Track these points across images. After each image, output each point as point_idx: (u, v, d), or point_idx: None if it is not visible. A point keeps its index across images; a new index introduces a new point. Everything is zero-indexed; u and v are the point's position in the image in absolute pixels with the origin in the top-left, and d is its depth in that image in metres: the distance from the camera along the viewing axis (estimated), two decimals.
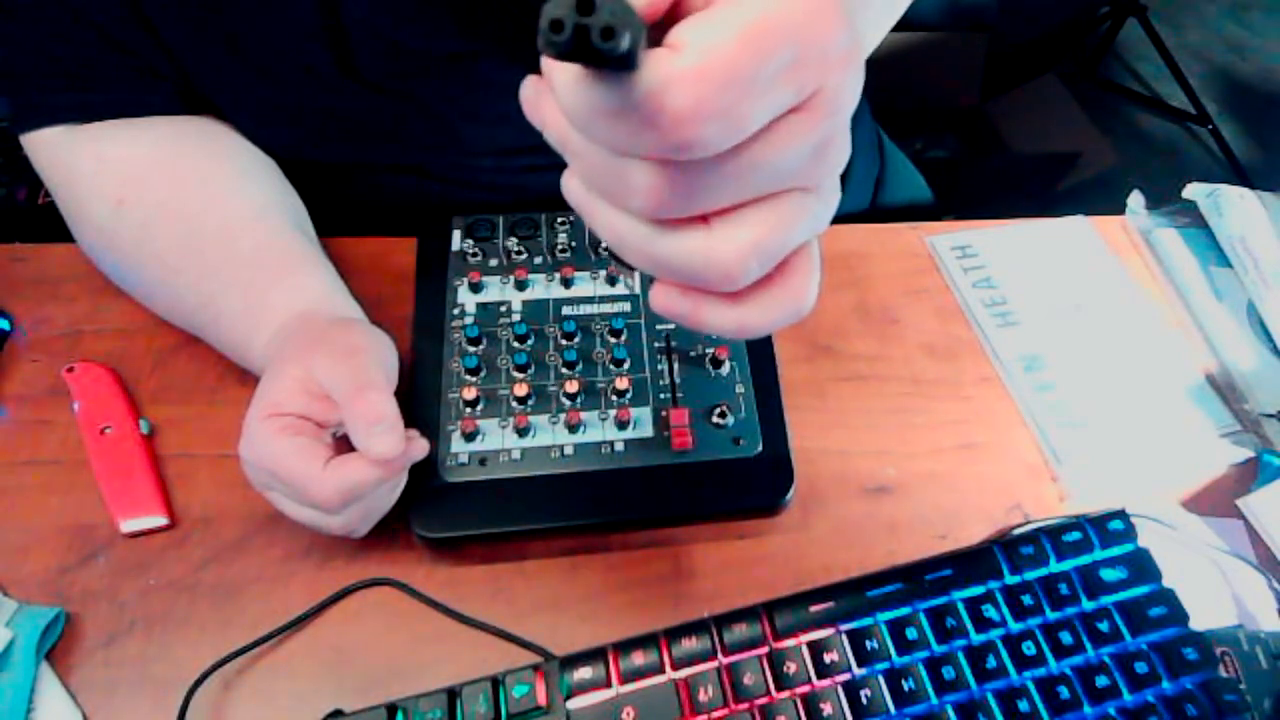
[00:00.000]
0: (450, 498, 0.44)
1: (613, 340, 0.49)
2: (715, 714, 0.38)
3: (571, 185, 0.25)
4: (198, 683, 0.39)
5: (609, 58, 0.17)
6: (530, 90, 0.24)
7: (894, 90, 1.53)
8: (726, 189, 0.23)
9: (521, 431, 0.46)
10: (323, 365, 0.40)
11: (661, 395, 0.48)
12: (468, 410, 0.46)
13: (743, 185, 0.23)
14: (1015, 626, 0.41)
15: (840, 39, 0.21)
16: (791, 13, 0.20)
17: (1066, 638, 0.41)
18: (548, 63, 0.21)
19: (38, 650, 0.40)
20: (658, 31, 0.21)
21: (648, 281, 0.51)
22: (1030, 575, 0.43)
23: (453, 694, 0.38)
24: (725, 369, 0.49)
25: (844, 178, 0.75)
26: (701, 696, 0.38)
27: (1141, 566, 0.43)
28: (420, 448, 0.42)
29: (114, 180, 0.48)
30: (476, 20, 0.47)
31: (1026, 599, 0.42)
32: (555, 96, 0.21)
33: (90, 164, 0.48)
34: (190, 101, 0.50)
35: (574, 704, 0.38)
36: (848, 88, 0.23)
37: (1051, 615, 0.42)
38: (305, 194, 0.54)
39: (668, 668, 0.39)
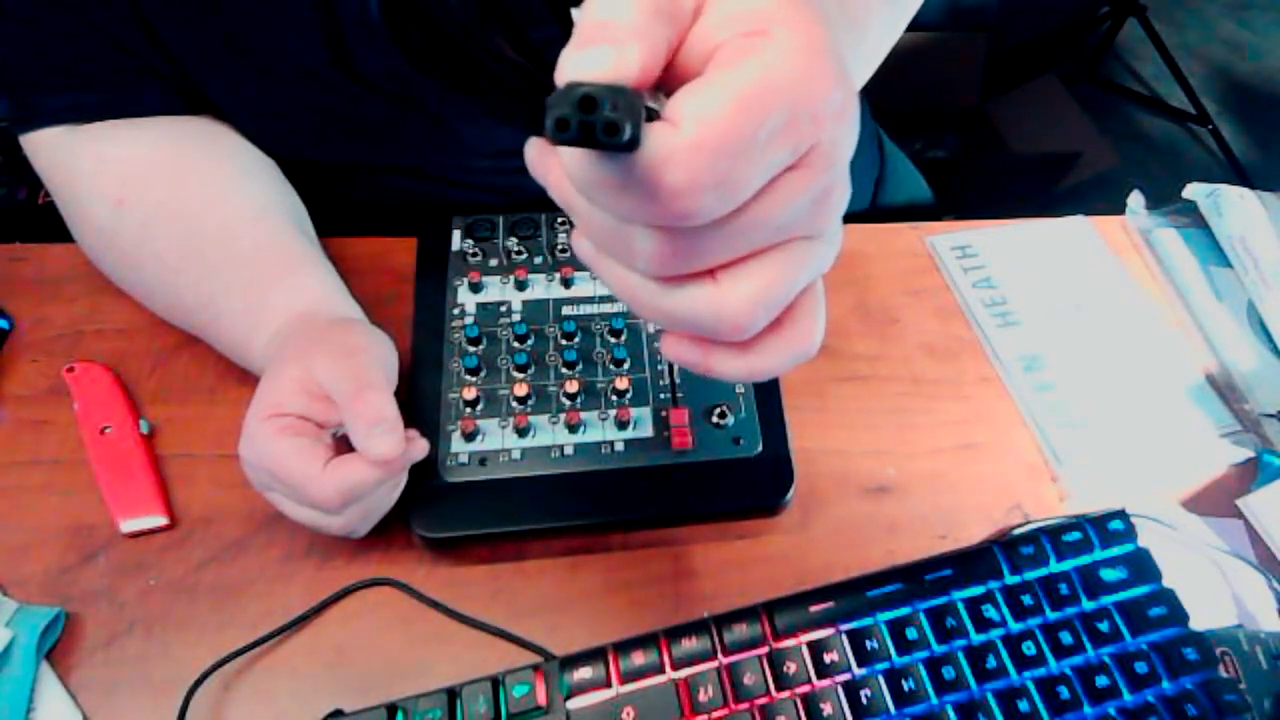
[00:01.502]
0: (450, 498, 0.44)
1: (613, 340, 0.49)
2: (715, 714, 0.38)
3: (581, 245, 0.26)
4: (198, 683, 0.39)
5: (613, 147, 0.18)
6: (534, 152, 0.25)
7: (894, 90, 1.52)
8: (730, 247, 0.23)
9: (521, 431, 0.46)
10: (322, 365, 0.40)
11: (661, 395, 0.48)
12: (468, 410, 0.46)
13: (745, 242, 0.23)
14: (1015, 626, 0.41)
15: (834, 95, 0.22)
16: (784, 76, 0.21)
17: (1066, 638, 0.41)
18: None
19: (38, 650, 0.40)
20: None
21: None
22: (1030, 575, 0.43)
23: (453, 694, 0.38)
24: None
25: None
26: (701, 696, 0.38)
27: (1141, 566, 0.43)
28: (420, 448, 0.42)
29: (114, 180, 0.48)
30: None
31: (1026, 599, 0.42)
32: (561, 164, 0.22)
33: (90, 164, 0.48)
34: (190, 101, 0.50)
35: (574, 704, 0.38)
36: (844, 140, 0.23)
37: (1051, 615, 0.42)
38: (305, 194, 0.54)
39: (668, 668, 0.39)
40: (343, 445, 0.41)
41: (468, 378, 0.47)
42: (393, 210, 0.56)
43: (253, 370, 0.46)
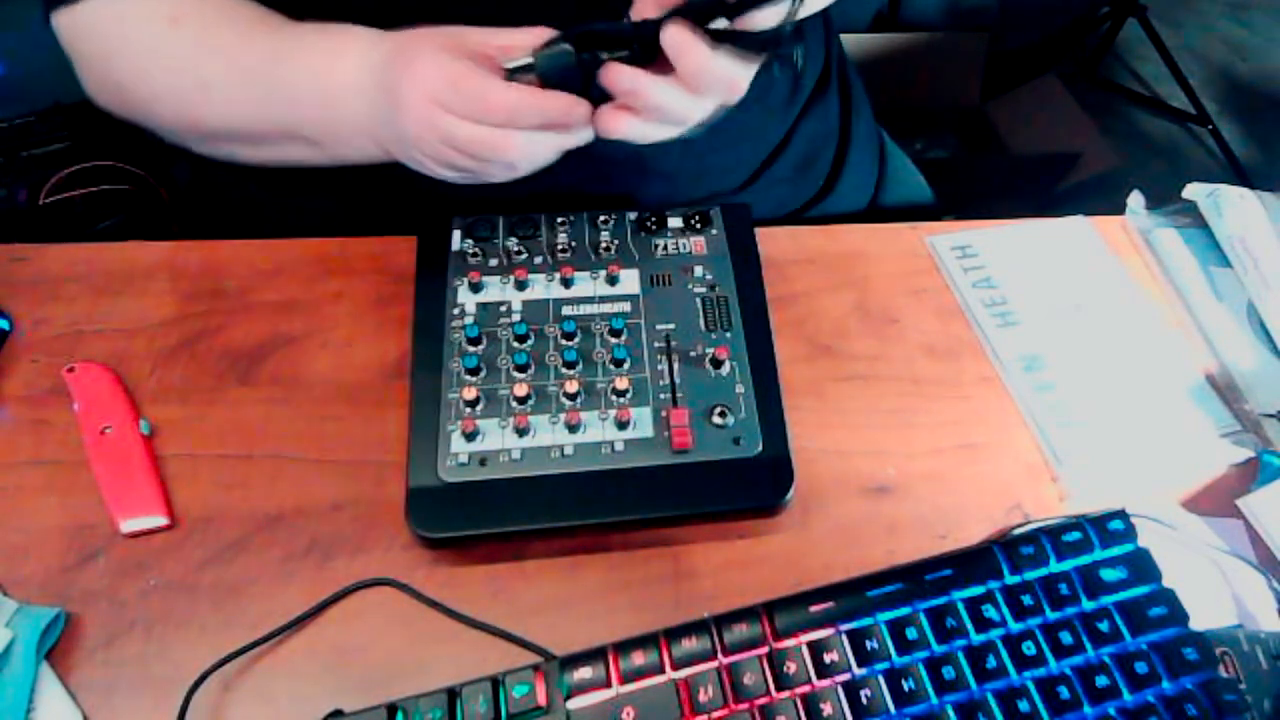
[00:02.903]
0: (450, 498, 0.44)
1: (613, 340, 0.49)
2: (715, 714, 0.38)
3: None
4: (198, 683, 0.39)
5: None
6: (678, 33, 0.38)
7: (894, 90, 1.53)
8: None
9: (521, 431, 0.46)
10: (472, 32, 0.41)
11: (661, 395, 0.48)
12: (468, 410, 0.46)
13: None
14: (1015, 626, 0.41)
15: None
16: None
17: (1066, 638, 0.41)
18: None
19: (38, 650, 0.40)
20: None
21: (646, 282, 0.51)
22: (1030, 575, 0.43)
23: (453, 694, 0.38)
24: (725, 369, 0.49)
25: (842, 177, 0.74)
26: (701, 696, 0.38)
27: (1141, 566, 0.43)
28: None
29: (167, 5, 0.46)
30: None
31: (1026, 599, 0.42)
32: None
33: None
34: None
35: (574, 704, 0.38)
36: None
37: (1051, 615, 0.42)
38: (310, 184, 0.53)
39: (668, 668, 0.39)
40: None
41: (468, 378, 0.47)
42: (393, 209, 0.56)
43: (339, 111, 0.44)
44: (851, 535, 0.47)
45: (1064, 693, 0.39)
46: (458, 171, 0.43)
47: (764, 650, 0.40)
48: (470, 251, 0.52)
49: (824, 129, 0.69)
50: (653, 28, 0.39)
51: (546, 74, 0.40)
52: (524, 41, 0.41)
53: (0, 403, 0.49)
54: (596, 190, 0.57)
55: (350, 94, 0.43)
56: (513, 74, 0.40)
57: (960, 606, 0.42)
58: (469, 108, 0.40)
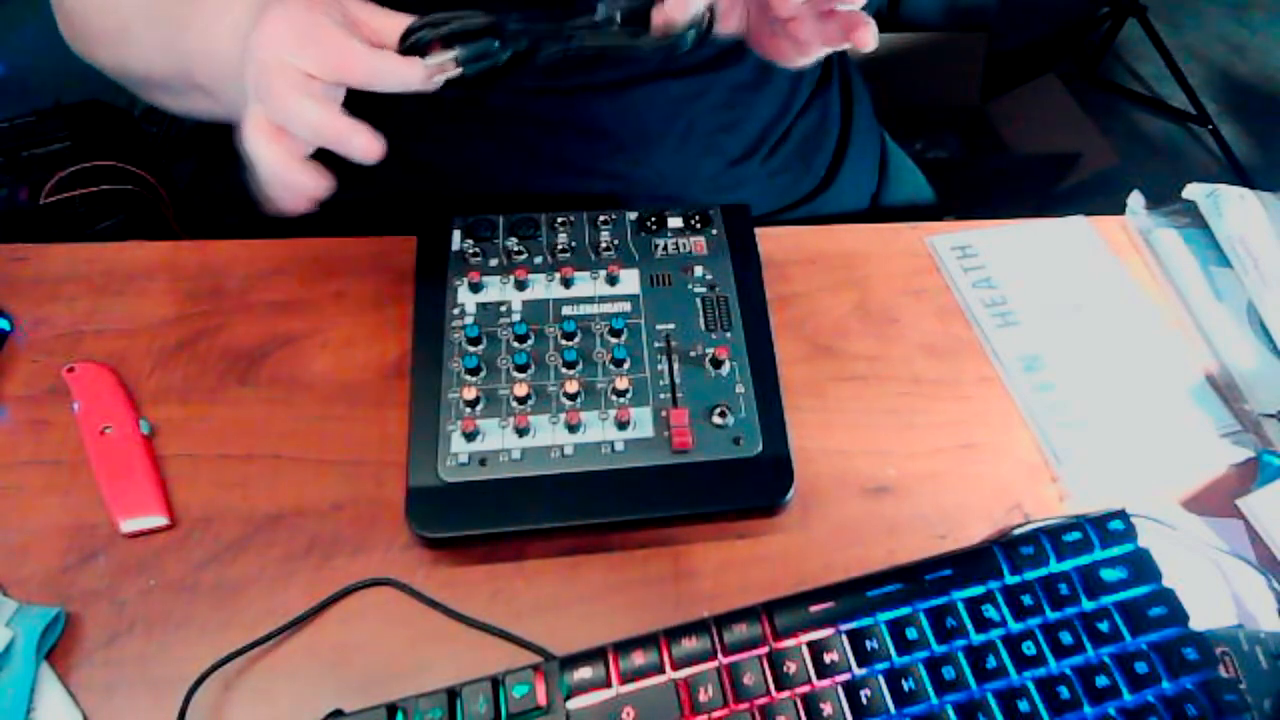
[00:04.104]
0: (450, 498, 0.44)
1: (613, 340, 0.49)
2: (715, 714, 0.38)
3: None
4: (198, 683, 0.39)
5: None
6: None
7: (894, 90, 1.53)
8: None
9: (521, 431, 0.46)
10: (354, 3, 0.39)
11: (661, 395, 0.48)
12: (468, 410, 0.46)
13: None
14: (1015, 626, 0.41)
15: None
16: None
17: (1066, 638, 0.41)
18: None
19: (38, 650, 0.40)
20: None
21: (646, 282, 0.51)
22: (1030, 575, 0.43)
23: (453, 694, 0.38)
24: (725, 369, 0.48)
25: (842, 170, 0.74)
26: (701, 696, 0.38)
27: (1141, 566, 0.43)
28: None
29: None
30: None
31: (1026, 599, 0.42)
32: None
33: None
34: None
35: (574, 704, 0.38)
36: None
37: (1051, 615, 0.42)
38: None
39: (668, 668, 0.39)
40: None
41: (468, 378, 0.47)
42: (393, 209, 0.56)
43: (229, 59, 0.41)
44: (851, 535, 0.47)
45: (1064, 693, 0.39)
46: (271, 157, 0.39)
47: (764, 650, 0.40)
48: (470, 251, 0.52)
49: (825, 122, 0.69)
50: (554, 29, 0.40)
51: (466, 65, 0.39)
52: (395, 26, 0.39)
53: (0, 403, 0.49)
54: (603, 165, 0.58)
55: (230, 44, 0.42)
56: (415, 52, 0.39)
57: (960, 606, 0.42)
58: (321, 64, 0.37)
